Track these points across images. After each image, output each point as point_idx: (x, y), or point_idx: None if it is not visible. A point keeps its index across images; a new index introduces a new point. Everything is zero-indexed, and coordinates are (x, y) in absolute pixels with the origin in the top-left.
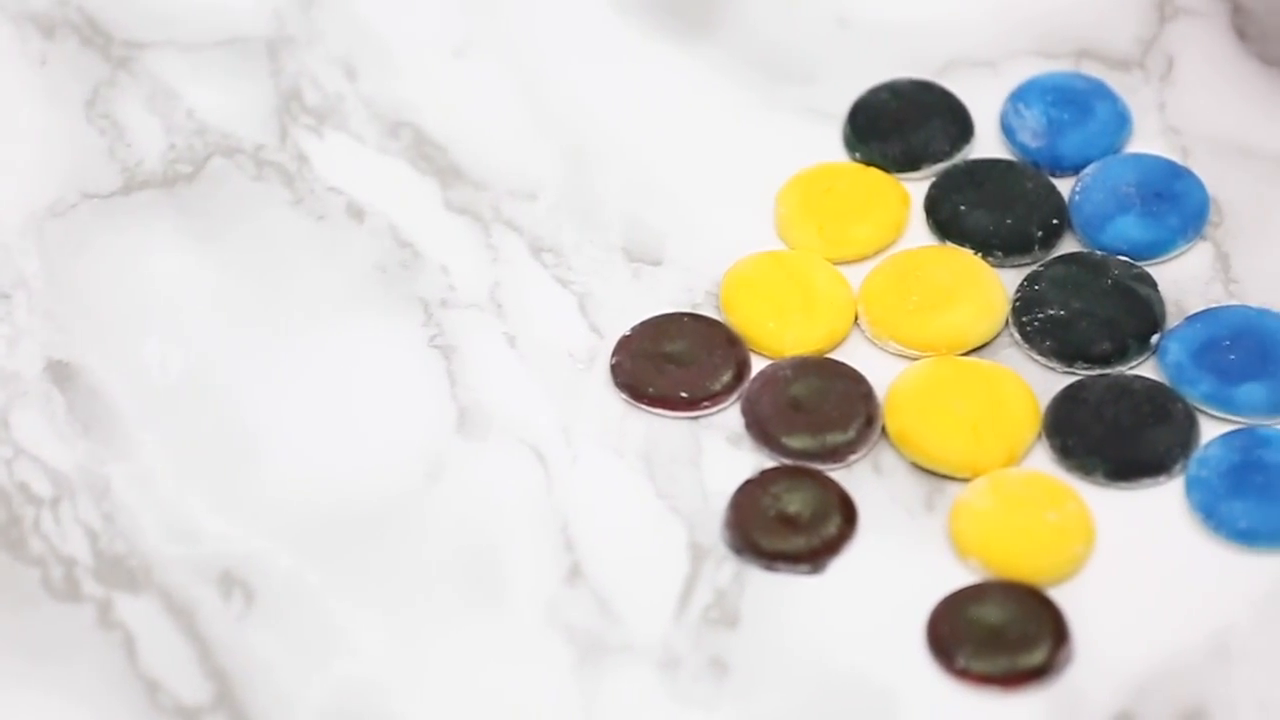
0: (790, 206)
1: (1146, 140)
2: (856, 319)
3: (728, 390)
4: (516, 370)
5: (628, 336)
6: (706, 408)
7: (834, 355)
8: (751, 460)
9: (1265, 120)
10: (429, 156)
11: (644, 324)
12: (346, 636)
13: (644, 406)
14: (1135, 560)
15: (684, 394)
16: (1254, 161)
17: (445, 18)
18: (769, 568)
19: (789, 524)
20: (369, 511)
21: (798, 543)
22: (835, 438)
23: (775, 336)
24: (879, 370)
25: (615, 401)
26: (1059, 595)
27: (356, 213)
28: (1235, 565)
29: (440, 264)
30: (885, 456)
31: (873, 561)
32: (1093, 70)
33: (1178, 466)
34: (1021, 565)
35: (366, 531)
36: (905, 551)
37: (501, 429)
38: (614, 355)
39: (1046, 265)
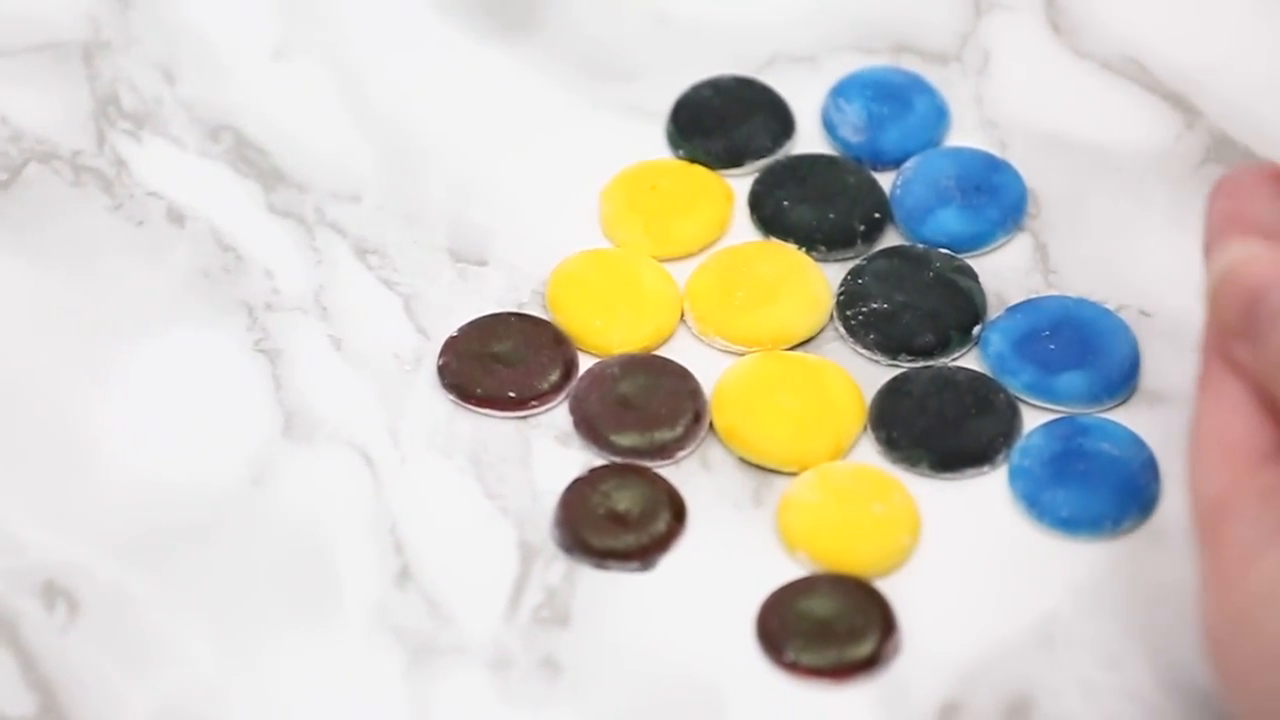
0: (615, 205)
1: (965, 133)
2: (683, 316)
3: (555, 389)
4: (343, 373)
5: (454, 337)
6: (534, 407)
7: (661, 352)
8: (580, 459)
9: (1079, 112)
10: (250, 160)
11: (470, 324)
12: (174, 645)
13: (472, 407)
14: (961, 550)
15: (512, 394)
16: (1069, 153)
17: (263, 20)
18: (599, 566)
19: (618, 522)
20: (195, 518)
21: (627, 540)
22: (663, 435)
23: (602, 335)
24: (706, 366)
25: (443, 402)
26: (886, 586)
27: (177, 217)
28: (1058, 553)
29: (264, 267)
30: (713, 452)
31: (702, 557)
32: (911, 65)
33: (1001, 456)
34: (849, 557)
35: (193, 538)
36: (734, 546)
37: (328, 432)
38: (441, 356)
39: (869, 259)
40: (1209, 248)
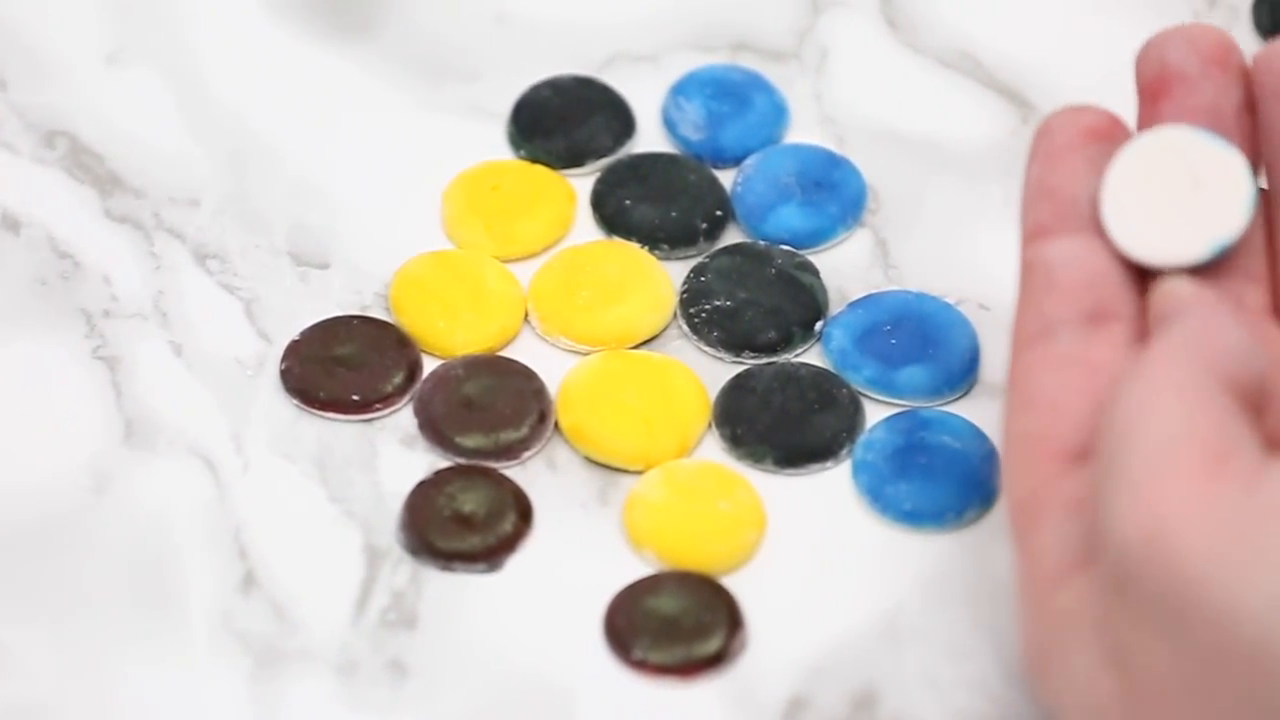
0: (457, 206)
1: (804, 130)
2: (526, 316)
3: (400, 391)
4: (184, 379)
5: (297, 341)
6: (379, 410)
7: (505, 353)
8: (426, 461)
9: (917, 108)
10: (86, 165)
11: (313, 328)
12: (13, 657)
13: (315, 411)
14: (806, 545)
15: (355, 397)
16: (907, 148)
17: (97, 24)
18: (446, 568)
19: (464, 523)
20: (34, 528)
21: (474, 541)
22: (508, 435)
23: (446, 336)
24: (551, 366)
25: (286, 407)
26: (733, 583)
27: (12, 224)
28: (902, 546)
29: (102, 274)
30: (559, 452)
31: (549, 557)
32: (750, 62)
33: (844, 451)
34: (695, 555)
35: (32, 549)
36: (581, 546)
37: (170, 439)
38: (283, 360)
39: (712, 257)
40: (1023, 217)
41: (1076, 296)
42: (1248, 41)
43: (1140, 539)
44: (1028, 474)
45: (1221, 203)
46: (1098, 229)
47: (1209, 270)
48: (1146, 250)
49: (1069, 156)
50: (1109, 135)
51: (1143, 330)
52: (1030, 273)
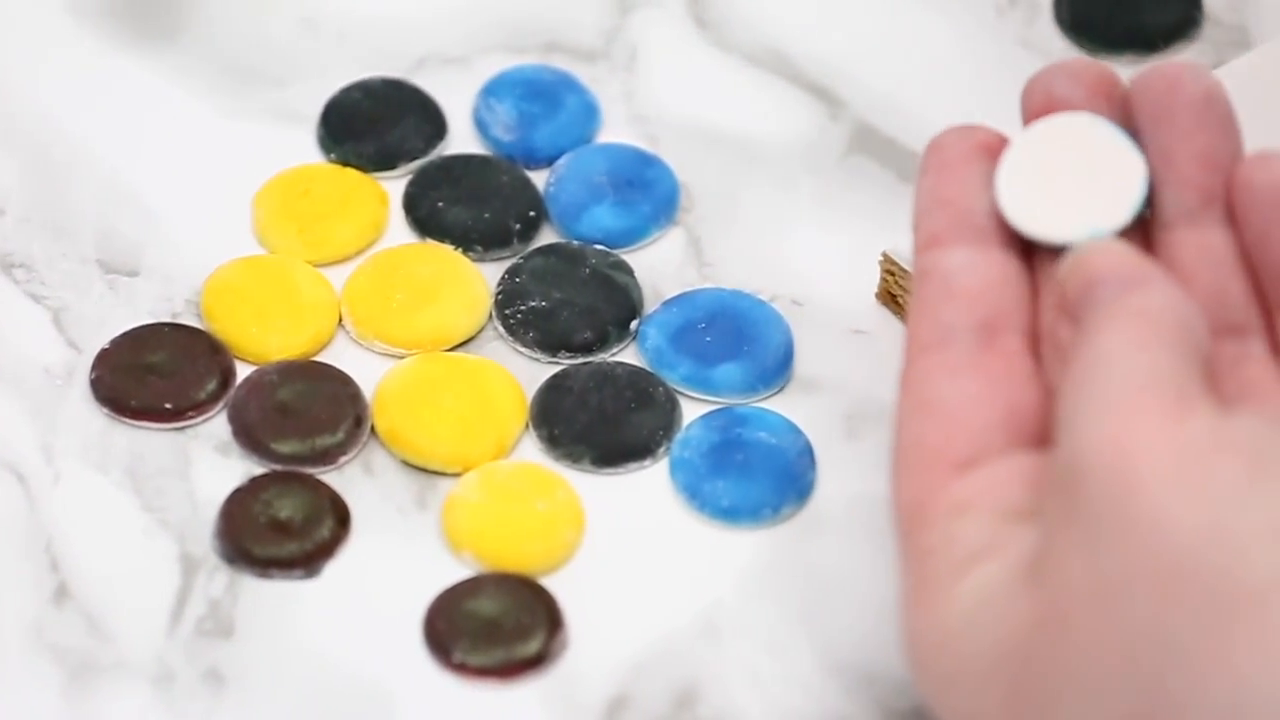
0: (268, 210)
1: (616, 130)
2: (341, 320)
3: (213, 399)
4: None
5: (107, 350)
6: (192, 418)
7: (320, 358)
8: (241, 468)
9: (727, 106)
10: None
11: (123, 336)
12: None
13: (127, 420)
14: (625, 544)
15: (168, 405)
16: (719, 147)
17: None
18: (263, 575)
19: (281, 530)
20: None
21: (291, 548)
22: (324, 440)
23: (259, 342)
24: (366, 370)
25: (97, 416)
26: (553, 583)
27: None
28: (720, 542)
29: None
30: (376, 456)
31: (368, 562)
32: (560, 63)
33: (662, 449)
34: (514, 556)
35: None
36: (400, 550)
37: None
38: (93, 370)
39: (526, 258)
40: (917, 226)
41: (973, 305)
42: (1051, 37)
43: (1104, 462)
44: (918, 480)
45: (1113, 191)
46: (993, 241)
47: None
48: (1029, 223)
49: (962, 169)
50: (999, 152)
51: (1035, 343)
52: (926, 280)
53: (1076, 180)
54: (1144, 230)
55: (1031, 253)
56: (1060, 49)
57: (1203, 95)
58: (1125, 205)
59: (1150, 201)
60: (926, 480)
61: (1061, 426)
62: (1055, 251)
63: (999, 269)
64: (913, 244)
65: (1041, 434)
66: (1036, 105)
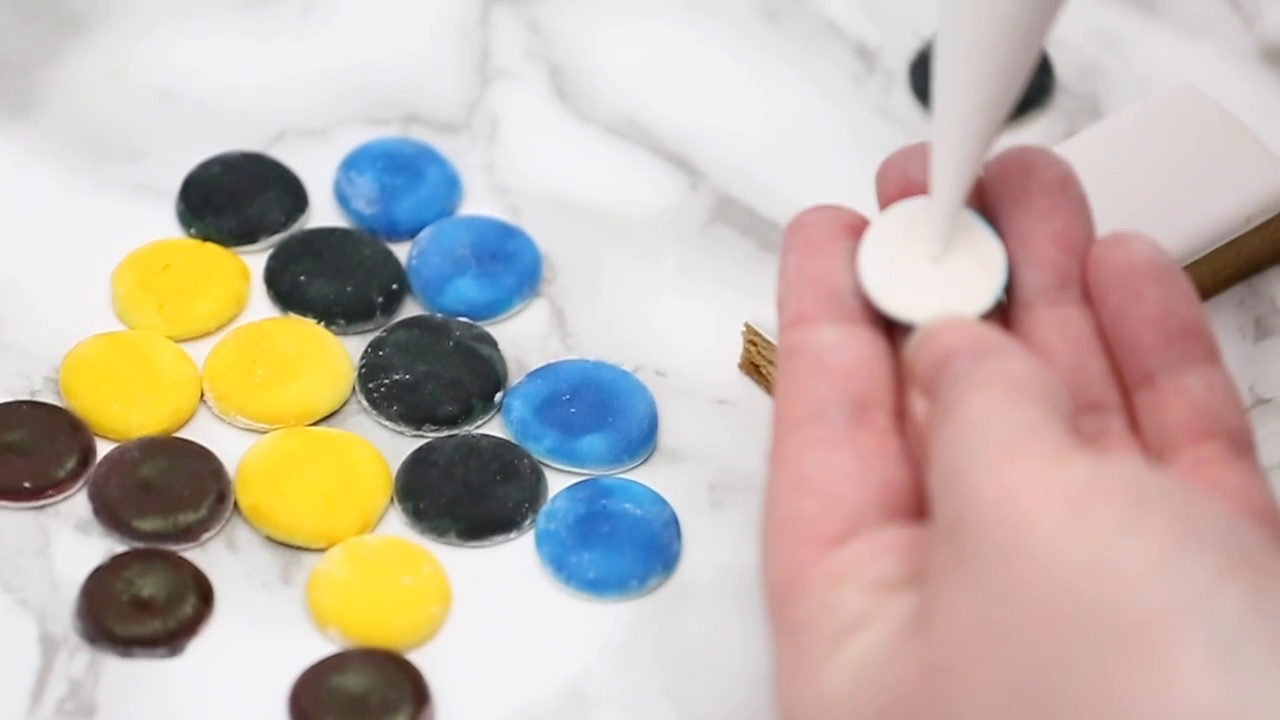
0: (127, 286)
1: (478, 201)
2: (203, 396)
3: (73, 477)
4: None
5: None
6: (51, 496)
7: (182, 434)
8: (103, 546)
9: (588, 176)
10: None
11: None
12: None
13: None
14: (492, 617)
15: (27, 484)
16: (581, 217)
17: None
18: (125, 654)
19: (143, 608)
20: None
21: (153, 626)
22: (187, 517)
23: (120, 419)
24: (229, 446)
25: None
26: (419, 658)
27: None
28: (587, 614)
29: None
30: (240, 532)
31: (232, 640)
32: (421, 134)
33: (527, 522)
34: (380, 631)
35: None
36: (264, 627)
37: None
38: None
39: (389, 330)
40: (783, 303)
41: (845, 382)
42: (907, 107)
43: (991, 508)
44: (791, 554)
45: (974, 273)
46: (860, 319)
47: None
48: (894, 303)
49: (826, 247)
50: (861, 232)
51: (902, 421)
52: (796, 356)
53: (938, 263)
54: (1001, 312)
55: (894, 331)
56: (916, 118)
57: (1057, 179)
58: (988, 287)
59: (1007, 283)
60: (800, 554)
61: (940, 487)
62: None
63: (868, 347)
64: (778, 320)
65: (912, 509)
66: (891, 188)
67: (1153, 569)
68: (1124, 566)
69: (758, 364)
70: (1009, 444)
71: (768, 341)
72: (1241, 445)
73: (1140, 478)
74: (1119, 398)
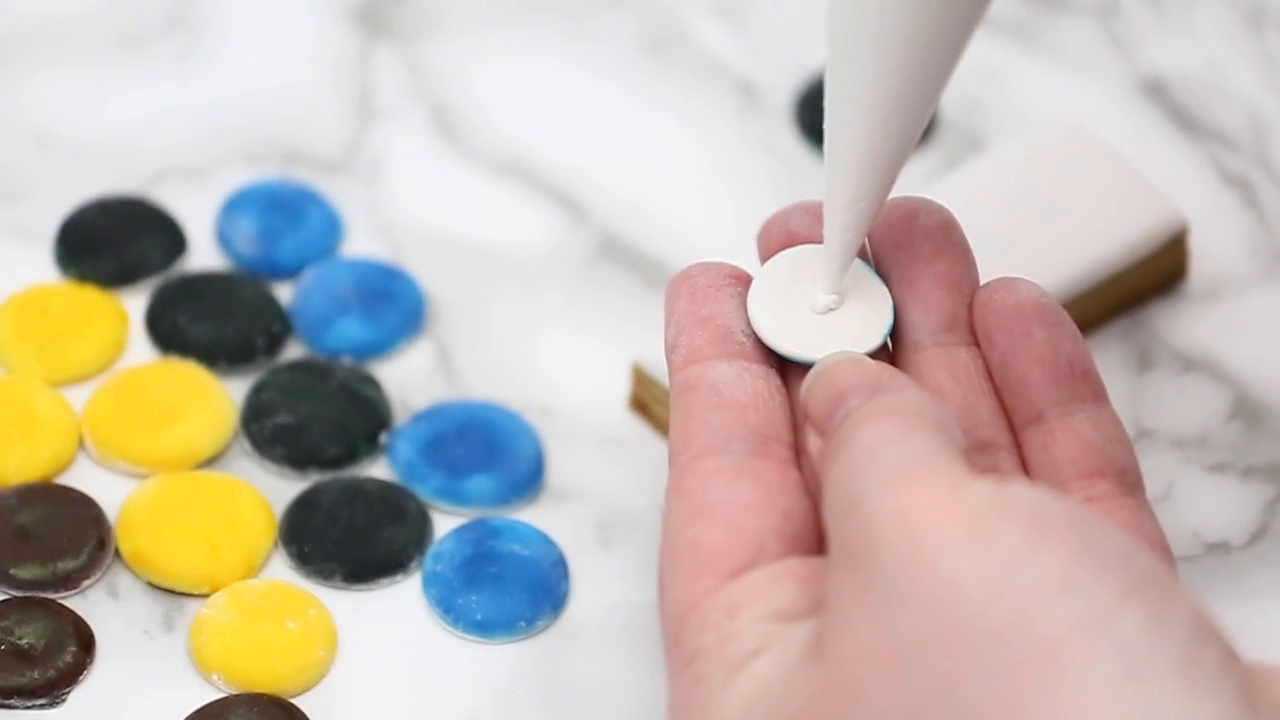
0: (4, 330)
1: (361, 241)
2: (82, 441)
3: None
4: None
5: None
6: None
7: (61, 480)
8: None
9: (473, 215)
10: None
11: None
12: None
13: None
14: (379, 660)
15: None
16: (466, 256)
17: None
18: (3, 705)
19: (22, 657)
20: None
21: (32, 676)
22: (66, 564)
23: None
24: (109, 491)
25: None
26: (306, 703)
27: None
28: (475, 656)
29: None
30: (121, 579)
31: (114, 688)
32: (302, 174)
33: (414, 563)
34: (265, 677)
35: None
36: (147, 673)
37: None
38: None
39: (272, 373)
40: (674, 346)
41: (743, 414)
42: (790, 141)
43: (890, 531)
44: (691, 583)
45: (862, 316)
46: (754, 358)
47: None
48: (785, 342)
49: (715, 293)
50: (748, 282)
51: (798, 456)
52: (693, 390)
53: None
54: (889, 354)
55: (786, 372)
56: (800, 153)
57: (940, 224)
58: (877, 327)
59: (895, 326)
60: (699, 584)
61: (837, 514)
62: (805, 370)
63: (763, 382)
64: (670, 363)
65: (812, 543)
66: (774, 243)
67: (1055, 588)
68: (1026, 585)
69: (645, 402)
70: (906, 469)
71: (655, 380)
72: (1130, 483)
73: (1040, 498)
74: (1009, 438)
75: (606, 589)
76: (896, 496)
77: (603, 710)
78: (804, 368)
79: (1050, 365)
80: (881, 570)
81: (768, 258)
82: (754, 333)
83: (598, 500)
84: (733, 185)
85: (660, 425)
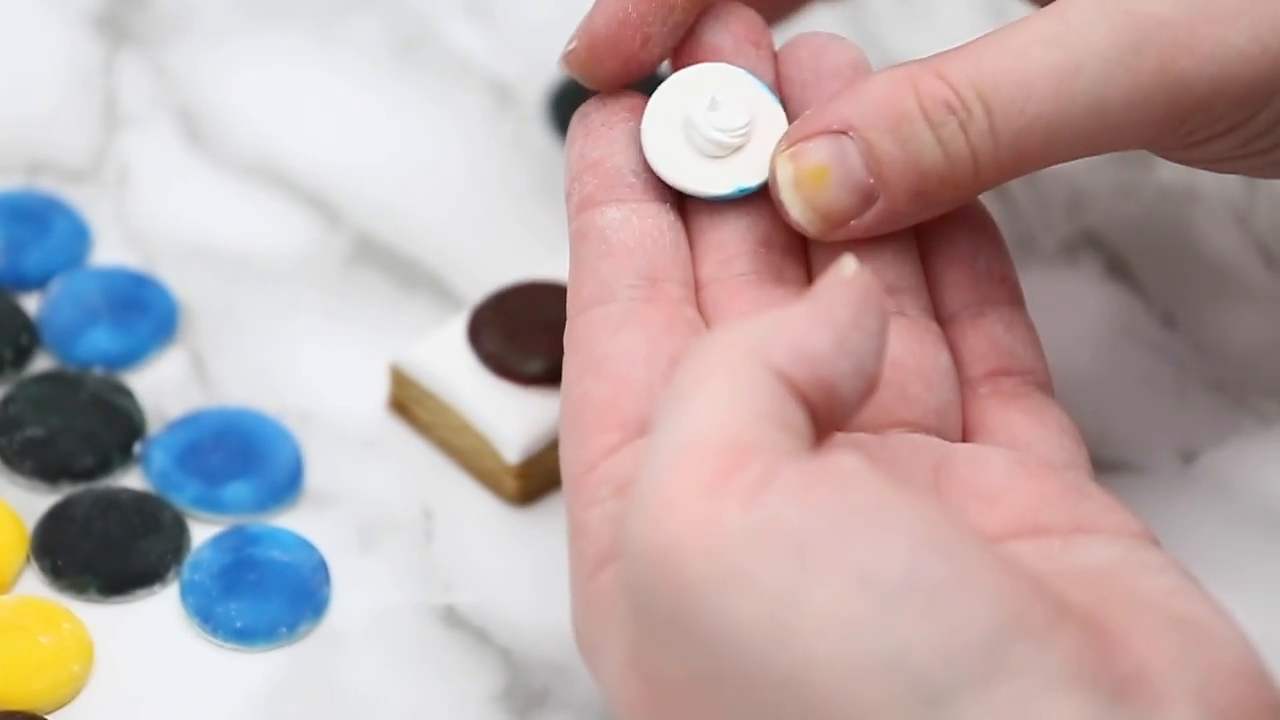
0: None
1: (110, 250)
2: None
3: None
4: None
5: None
6: None
7: None
8: None
9: (225, 221)
10: None
11: None
12: None
13: None
14: (138, 674)
15: None
16: (218, 263)
17: None
18: None
19: None
20: None
21: None
22: None
23: None
24: None
25: None
26: (61, 719)
27: None
28: (237, 664)
29: None
30: None
31: None
32: (47, 184)
33: (172, 574)
34: (18, 693)
35: None
36: None
37: None
38: None
39: (21, 385)
40: (570, 193)
41: (631, 258)
42: (543, 138)
43: (651, 558)
44: (586, 444)
45: (757, 147)
46: (646, 196)
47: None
48: (678, 176)
49: (607, 132)
50: (643, 111)
51: (695, 293)
52: (583, 240)
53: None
54: None
55: (684, 204)
56: (552, 150)
57: (849, 62)
58: (763, 168)
59: None
60: (593, 442)
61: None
62: (707, 203)
63: (653, 222)
64: (567, 210)
65: None
66: (686, 51)
67: (835, 627)
68: (806, 628)
69: (405, 403)
70: (663, 493)
71: (414, 380)
72: (1038, 383)
73: (803, 520)
74: (916, 281)
75: (368, 593)
76: (653, 533)
77: (366, 715)
78: (702, 199)
79: (969, 268)
80: (657, 606)
81: (680, 61)
82: (648, 168)
83: (358, 504)
84: (487, 184)
85: (421, 426)
